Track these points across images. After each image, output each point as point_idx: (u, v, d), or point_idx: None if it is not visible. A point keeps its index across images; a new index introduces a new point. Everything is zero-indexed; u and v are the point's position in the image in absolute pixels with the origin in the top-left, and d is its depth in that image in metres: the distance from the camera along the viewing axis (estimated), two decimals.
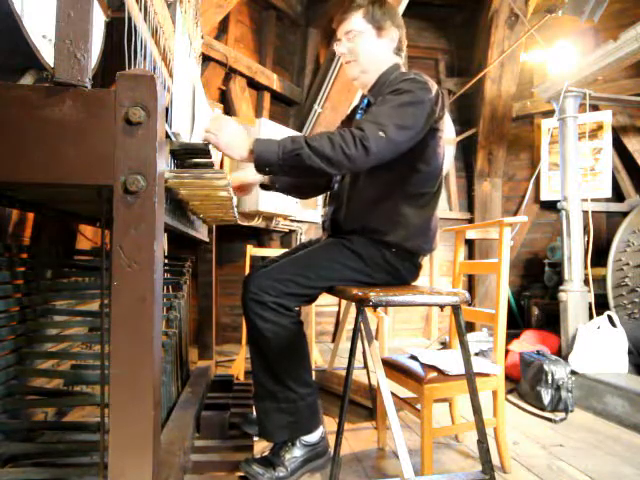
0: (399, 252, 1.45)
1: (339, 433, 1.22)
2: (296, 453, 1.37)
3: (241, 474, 1.33)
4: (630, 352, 2.55)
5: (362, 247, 1.43)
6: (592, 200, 2.90)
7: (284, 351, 1.35)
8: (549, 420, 2.20)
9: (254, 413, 1.47)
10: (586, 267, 2.71)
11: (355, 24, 1.46)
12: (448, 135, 4.12)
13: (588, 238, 2.68)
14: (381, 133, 1.24)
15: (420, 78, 1.37)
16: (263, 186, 1.71)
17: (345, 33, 1.48)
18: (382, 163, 1.30)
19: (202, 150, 1.05)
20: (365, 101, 1.58)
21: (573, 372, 2.41)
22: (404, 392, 1.64)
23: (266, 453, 1.42)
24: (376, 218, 1.44)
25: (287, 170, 1.27)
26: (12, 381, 1.22)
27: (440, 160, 1.49)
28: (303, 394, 1.38)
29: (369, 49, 1.47)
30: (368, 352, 2.04)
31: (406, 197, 1.44)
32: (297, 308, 1.40)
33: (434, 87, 1.39)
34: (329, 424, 1.97)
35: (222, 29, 3.39)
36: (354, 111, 1.67)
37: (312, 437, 1.41)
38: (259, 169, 1.27)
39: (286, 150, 1.23)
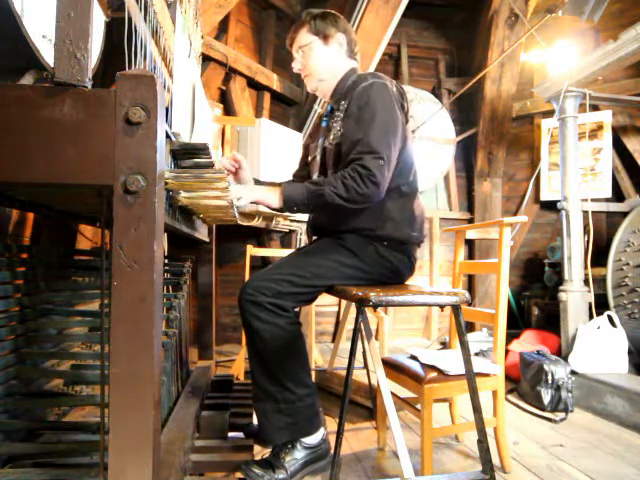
0: (391, 244, 1.48)
1: (339, 433, 1.22)
2: (296, 455, 1.36)
3: (241, 476, 1.33)
4: (630, 352, 2.55)
5: (355, 244, 1.45)
6: (592, 200, 2.90)
7: (282, 352, 1.34)
8: (549, 420, 2.20)
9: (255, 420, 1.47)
10: (586, 267, 2.71)
11: (303, 39, 1.56)
12: (447, 135, 4.13)
13: (588, 238, 2.68)
14: (381, 162, 1.35)
15: (379, 80, 1.45)
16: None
17: (296, 50, 1.59)
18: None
19: (202, 150, 1.05)
20: (329, 107, 1.65)
21: (573, 372, 2.41)
22: (404, 392, 1.64)
23: (266, 455, 1.41)
24: (364, 218, 1.47)
25: (312, 208, 1.43)
26: (12, 381, 1.22)
27: (410, 150, 1.54)
28: (302, 395, 1.37)
29: (320, 57, 1.56)
30: (368, 352, 2.04)
31: (386, 193, 1.45)
32: (295, 309, 1.39)
33: (392, 83, 1.48)
34: (329, 424, 1.97)
35: (222, 29, 3.39)
36: (320, 119, 1.72)
37: (312, 439, 1.40)
38: (288, 209, 1.42)
39: (310, 190, 1.38)
